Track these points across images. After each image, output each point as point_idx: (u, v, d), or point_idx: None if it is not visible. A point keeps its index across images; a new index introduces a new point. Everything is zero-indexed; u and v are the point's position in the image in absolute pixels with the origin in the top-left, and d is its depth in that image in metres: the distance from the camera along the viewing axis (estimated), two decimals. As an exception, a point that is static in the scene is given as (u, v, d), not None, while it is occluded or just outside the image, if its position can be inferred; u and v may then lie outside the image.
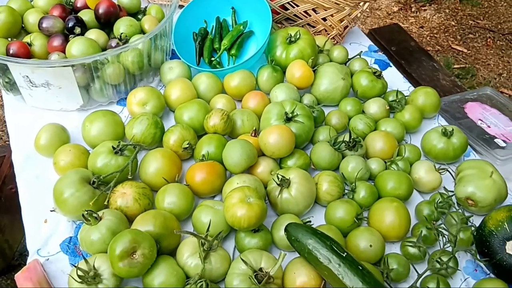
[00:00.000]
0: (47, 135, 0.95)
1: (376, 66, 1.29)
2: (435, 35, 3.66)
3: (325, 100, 1.11)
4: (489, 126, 1.48)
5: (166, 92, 1.07)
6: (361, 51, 1.24)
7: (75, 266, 0.74)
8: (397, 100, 1.11)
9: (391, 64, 1.31)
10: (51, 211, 0.87)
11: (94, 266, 0.75)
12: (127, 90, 1.08)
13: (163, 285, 0.76)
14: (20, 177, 0.95)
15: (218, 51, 1.21)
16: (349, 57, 1.22)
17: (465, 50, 3.55)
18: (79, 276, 0.73)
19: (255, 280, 0.75)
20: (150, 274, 0.76)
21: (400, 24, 3.51)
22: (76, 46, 1.02)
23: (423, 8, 3.83)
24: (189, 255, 0.79)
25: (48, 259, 0.83)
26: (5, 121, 2.35)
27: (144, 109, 1.02)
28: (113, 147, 0.89)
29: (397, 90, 1.12)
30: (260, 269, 0.77)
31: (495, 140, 1.42)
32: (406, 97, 1.14)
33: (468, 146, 1.07)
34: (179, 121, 1.01)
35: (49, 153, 0.94)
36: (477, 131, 1.42)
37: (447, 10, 3.89)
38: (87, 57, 0.95)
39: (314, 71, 1.12)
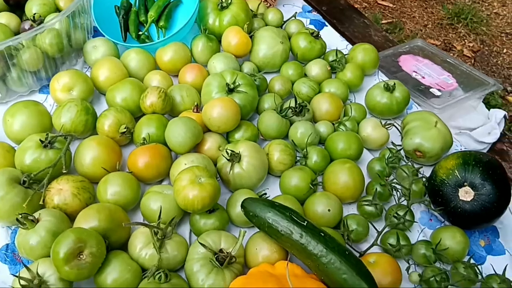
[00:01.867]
0: (-38, 135, 0.84)
1: (312, 27, 1.26)
2: (362, -7, 3.69)
3: (265, 67, 1.06)
4: (423, 77, 1.51)
5: (93, 74, 0.97)
6: (296, 12, 1.21)
7: (16, 276, 0.67)
8: (337, 60, 1.09)
9: (326, 23, 1.29)
10: (-20, 219, 0.78)
11: (37, 273, 0.68)
12: (48, 76, 0.98)
13: (118, 282, 0.70)
14: None
15: (145, 24, 1.12)
16: (284, 19, 1.18)
17: (391, 5, 3.62)
18: (22, 287, 0.66)
19: (217, 263, 0.72)
20: (102, 273, 0.70)
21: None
22: (-17, 33, 0.90)
23: (348, -35, 3.83)
24: (142, 246, 0.74)
25: (-17, 272, 0.74)
26: None
27: (71, 95, 0.93)
28: (41, 140, 0.80)
29: (337, 50, 1.10)
30: (221, 250, 0.74)
31: (431, 90, 1.45)
32: (346, 56, 1.12)
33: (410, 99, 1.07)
34: (112, 104, 0.93)
35: (-31, 155, 0.83)
36: (413, 82, 1.45)
37: (372, -34, 3.92)
38: (-3, 42, 0.84)
39: (250, 37, 1.07)
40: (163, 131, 0.88)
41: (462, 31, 3.36)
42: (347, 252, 0.72)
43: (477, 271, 0.77)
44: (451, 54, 3.24)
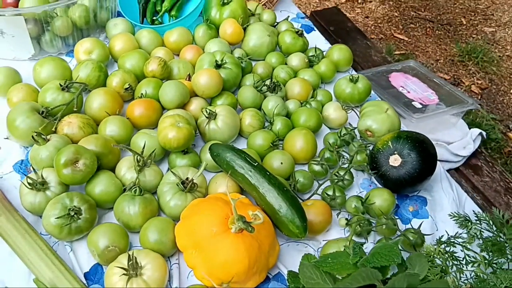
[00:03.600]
0: (0, 76, 1.06)
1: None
2: (379, 25, 3.90)
3: (253, 54, 1.27)
4: (408, 92, 1.68)
5: (110, 44, 1.20)
6: (288, 16, 1.41)
7: (26, 175, 0.87)
8: (316, 55, 1.28)
9: (315, 28, 1.48)
10: (5, 138, 0.99)
11: (42, 175, 0.88)
12: (75, 43, 1.20)
13: (103, 193, 0.89)
14: (-24, 113, 1.06)
15: (160, 13, 1.35)
16: (278, 21, 1.39)
17: (406, 39, 3.80)
18: (29, 184, 0.86)
19: (182, 186, 0.90)
20: (92, 184, 0.90)
21: (347, 14, 3.72)
22: (28, 1, 1.13)
23: (369, 0, 4.06)
24: (126, 170, 0.93)
25: (2, 177, 0.94)
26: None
27: (90, 57, 1.15)
28: (60, 84, 1.02)
29: (315, 47, 1.29)
30: (187, 179, 0.92)
31: (413, 103, 1.62)
32: (324, 53, 1.31)
33: (373, 92, 1.25)
34: (122, 67, 1.14)
35: (3, 92, 1.06)
36: (398, 96, 1.62)
37: (391, 2, 4.14)
38: (36, 7, 1.07)
39: (244, 29, 1.28)
40: (158, 92, 1.08)
41: (472, 68, 3.51)
42: (285, 189, 0.89)
43: (396, 223, 0.93)
44: (459, 89, 3.40)
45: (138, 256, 0.79)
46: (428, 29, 3.88)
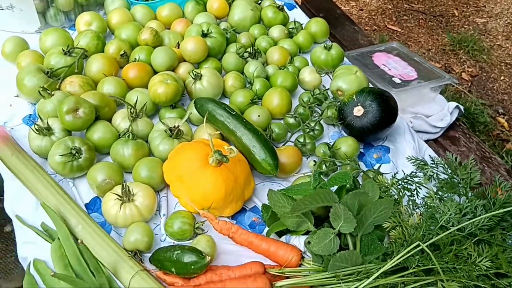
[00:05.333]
0: (11, 45, 1.20)
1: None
2: (373, 17, 4.02)
3: (237, 27, 1.39)
4: (389, 69, 1.80)
5: (108, 18, 1.33)
6: (271, -6, 1.54)
7: (34, 122, 1.00)
8: (295, 27, 1.41)
9: (297, 6, 1.61)
10: (15, 96, 1.13)
11: (47, 123, 1.01)
12: (76, 17, 1.34)
13: (101, 138, 1.03)
14: (-10, 77, 1.20)
15: (154, -8, 1.48)
16: (262, -1, 1.52)
17: (399, 30, 3.92)
18: (36, 130, 0.99)
19: (169, 132, 1.03)
20: (91, 130, 1.03)
21: (342, 7, 3.84)
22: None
23: (363, -7, 4.18)
24: (121, 120, 1.07)
25: (12, 128, 1.08)
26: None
27: (89, 28, 1.28)
28: (63, 49, 1.15)
29: (295, 20, 1.42)
30: (174, 126, 1.05)
31: (393, 78, 1.75)
32: (302, 26, 1.44)
33: (345, 58, 1.37)
34: (118, 37, 1.28)
35: (13, 58, 1.19)
36: (379, 73, 1.74)
37: (385, -5, 4.25)
38: (42, -17, 1.21)
39: (229, 4, 1.41)
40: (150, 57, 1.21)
41: (463, 57, 3.62)
42: (259, 133, 1.02)
43: (359, 165, 1.05)
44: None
45: (131, 186, 0.92)
46: (420, 21, 3.99)
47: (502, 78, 3.52)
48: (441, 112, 1.86)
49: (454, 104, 1.87)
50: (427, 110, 1.86)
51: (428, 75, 1.81)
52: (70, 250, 0.84)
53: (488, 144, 2.87)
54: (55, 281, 0.82)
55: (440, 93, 1.89)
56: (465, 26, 3.94)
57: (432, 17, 4.03)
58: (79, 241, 0.82)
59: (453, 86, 3.26)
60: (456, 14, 4.07)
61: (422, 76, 1.79)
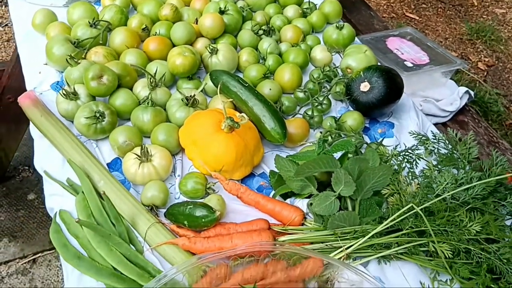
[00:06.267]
0: (40, 17, 1.28)
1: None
2: (392, 4, 4.02)
3: (254, 5, 1.45)
4: (402, 54, 1.85)
5: (131, -6, 1.41)
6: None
7: (62, 87, 1.09)
8: (309, 8, 1.46)
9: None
10: (44, 64, 1.21)
11: (74, 88, 1.09)
12: (101, -7, 1.41)
13: (122, 105, 1.10)
14: (21, 46, 1.28)
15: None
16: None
17: (417, 18, 3.92)
18: (63, 94, 1.07)
19: (186, 101, 1.10)
20: (113, 97, 1.11)
21: (360, -7, 3.85)
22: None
23: (382, -20, 4.18)
24: (141, 88, 1.14)
25: (41, 93, 1.16)
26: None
27: (114, 3, 1.35)
28: (89, 22, 1.23)
29: (309, 0, 1.47)
30: (190, 96, 1.12)
31: (405, 62, 1.79)
32: (316, 6, 1.49)
33: (356, 38, 1.42)
34: (140, 13, 1.35)
35: (42, 29, 1.28)
36: (392, 57, 1.79)
37: (404, -17, 4.24)
38: (71, -42, 1.29)
39: (247, -16, 1.47)
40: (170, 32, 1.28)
41: (480, 47, 3.61)
42: (269, 104, 1.09)
43: (363, 138, 1.11)
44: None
45: (149, 148, 1.00)
46: (439, 9, 3.98)
47: (518, 69, 3.51)
48: (451, 97, 1.89)
49: (464, 89, 1.91)
50: (437, 94, 1.91)
51: (440, 59, 1.85)
52: (93, 202, 0.93)
53: (500, 133, 2.88)
54: (79, 228, 0.90)
55: (456, 81, 1.93)
56: (484, 16, 3.92)
57: (451, 6, 4.02)
58: (101, 192, 0.90)
59: (468, 75, 3.28)
60: (475, 3, 4.05)
61: (434, 61, 1.83)
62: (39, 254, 1.91)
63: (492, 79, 3.40)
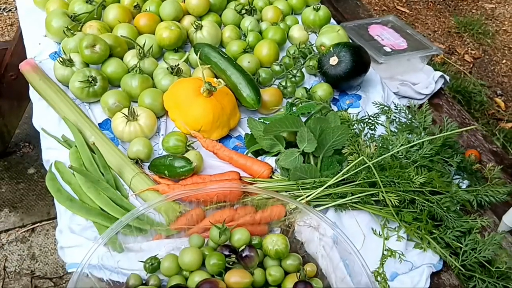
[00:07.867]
0: (40, -7, 1.40)
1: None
2: (383, -2, 4.13)
3: (238, -12, 1.57)
4: (382, 40, 1.96)
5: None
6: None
7: (59, 56, 1.20)
8: (290, -9, 1.58)
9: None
10: (44, 36, 1.33)
11: (70, 56, 1.21)
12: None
13: (113, 72, 1.22)
14: (24, 21, 1.40)
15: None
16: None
17: (408, 11, 4.03)
18: (60, 61, 1.19)
19: (170, 70, 1.22)
20: (105, 65, 1.23)
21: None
22: None
23: (374, -26, 4.28)
24: (130, 58, 1.26)
25: (40, 62, 1.28)
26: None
27: (108, -17, 1.47)
28: (85, -2, 1.35)
29: (290, -16, 1.59)
30: (175, 65, 1.24)
31: (384, 47, 1.90)
32: (297, -10, 1.61)
33: (332, 19, 1.54)
34: (132, -8, 1.46)
35: (42, 5, 1.39)
36: (373, 43, 1.90)
37: (396, -23, 4.35)
38: None
39: (232, -32, 1.58)
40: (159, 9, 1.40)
41: (468, 40, 3.72)
42: (246, 73, 1.20)
43: (331, 106, 1.23)
44: (453, 58, 3.65)
45: (136, 109, 1.12)
46: (429, 3, 4.10)
47: (504, 61, 3.63)
48: (427, 80, 2.01)
49: (439, 73, 2.02)
50: (414, 78, 2.02)
51: (417, 46, 1.96)
52: (84, 154, 1.05)
53: (482, 122, 3.01)
54: (71, 176, 1.02)
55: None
56: (473, 11, 4.03)
57: (441, 0, 4.13)
58: (90, 142, 1.02)
59: (454, 66, 3.40)
60: (465, -3, 4.16)
61: (411, 46, 1.94)
62: (38, 224, 2.03)
63: (478, 70, 3.52)
